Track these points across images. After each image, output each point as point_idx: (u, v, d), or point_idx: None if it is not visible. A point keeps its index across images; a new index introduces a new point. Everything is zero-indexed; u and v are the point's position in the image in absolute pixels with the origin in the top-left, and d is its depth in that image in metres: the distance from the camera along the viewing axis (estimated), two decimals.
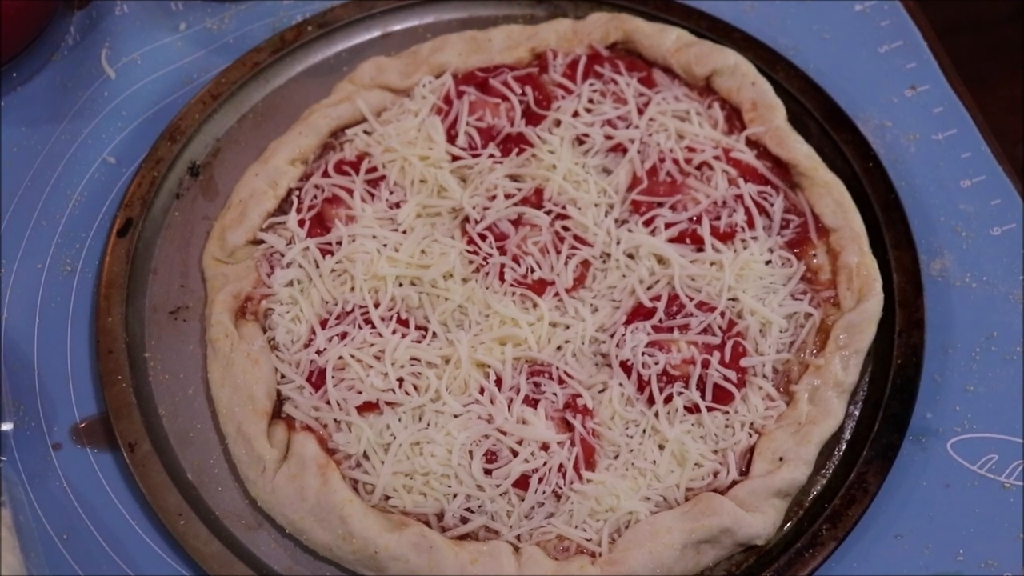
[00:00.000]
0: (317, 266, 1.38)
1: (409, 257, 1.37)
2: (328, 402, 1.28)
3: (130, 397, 1.32)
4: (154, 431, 1.31)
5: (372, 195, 1.44)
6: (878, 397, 1.33)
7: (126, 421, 1.30)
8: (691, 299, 1.35)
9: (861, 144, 1.48)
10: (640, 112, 1.49)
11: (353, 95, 1.51)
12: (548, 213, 1.41)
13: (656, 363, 1.30)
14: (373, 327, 1.33)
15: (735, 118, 1.51)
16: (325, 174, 1.45)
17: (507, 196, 1.42)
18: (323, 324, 1.34)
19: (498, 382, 1.30)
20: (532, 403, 1.29)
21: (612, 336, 1.33)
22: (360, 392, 1.28)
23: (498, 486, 1.24)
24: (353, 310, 1.34)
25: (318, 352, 1.31)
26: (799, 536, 1.25)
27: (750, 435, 1.29)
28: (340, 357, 1.30)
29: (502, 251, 1.39)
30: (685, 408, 1.29)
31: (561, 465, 1.25)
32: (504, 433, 1.26)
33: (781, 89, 1.52)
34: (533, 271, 1.38)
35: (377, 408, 1.29)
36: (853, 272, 1.37)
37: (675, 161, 1.45)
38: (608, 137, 1.47)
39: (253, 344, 1.32)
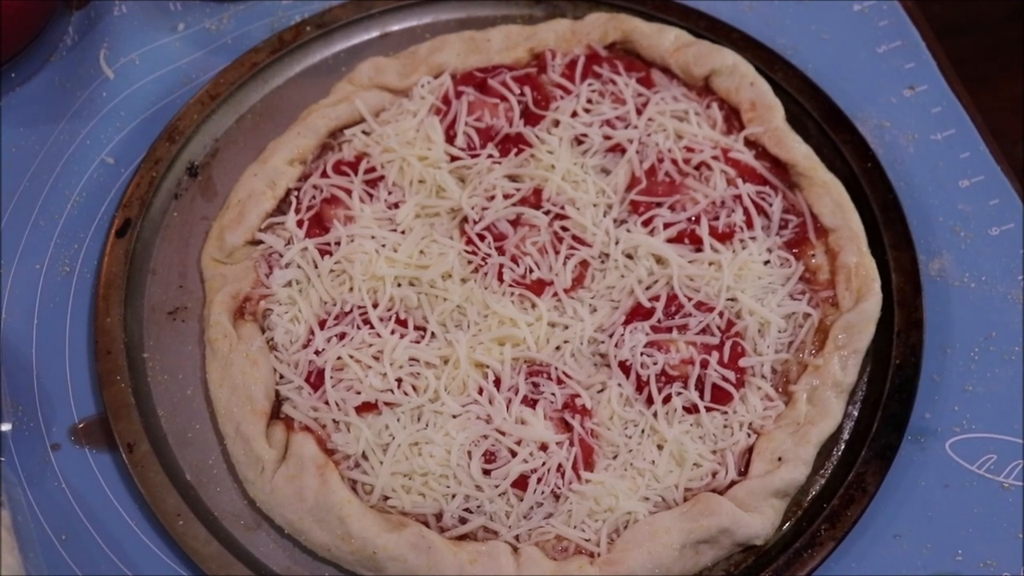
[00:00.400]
0: (316, 266, 1.38)
1: (408, 257, 1.37)
2: (327, 402, 1.28)
3: (128, 397, 1.32)
4: (153, 431, 1.31)
5: (371, 195, 1.44)
6: (877, 397, 1.33)
7: (125, 421, 1.30)
8: (690, 299, 1.35)
9: (860, 144, 1.49)
10: (639, 112, 1.49)
11: (351, 95, 1.51)
12: (547, 213, 1.41)
13: (655, 363, 1.30)
14: (372, 327, 1.33)
15: (734, 118, 1.51)
16: (324, 174, 1.44)
17: (506, 196, 1.42)
18: (322, 324, 1.34)
19: (497, 382, 1.30)
20: (531, 403, 1.29)
21: (611, 336, 1.33)
22: (359, 392, 1.28)
23: (497, 486, 1.24)
24: (352, 310, 1.34)
25: (317, 352, 1.31)
26: (798, 536, 1.25)
27: (749, 435, 1.29)
28: (339, 357, 1.30)
29: (501, 251, 1.39)
30: (684, 408, 1.29)
31: (560, 465, 1.24)
32: (503, 433, 1.26)
33: (780, 89, 1.52)
34: (532, 271, 1.38)
35: (376, 408, 1.29)
36: (852, 272, 1.37)
37: (674, 161, 1.45)
38: (607, 137, 1.47)
39: (252, 344, 1.32)
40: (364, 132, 1.49)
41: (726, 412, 1.29)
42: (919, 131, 1.55)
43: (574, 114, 1.49)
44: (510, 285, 1.37)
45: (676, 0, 1.61)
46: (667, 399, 1.29)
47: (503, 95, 1.50)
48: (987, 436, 1.33)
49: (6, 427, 1.32)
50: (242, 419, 1.27)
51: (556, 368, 1.31)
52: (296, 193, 1.44)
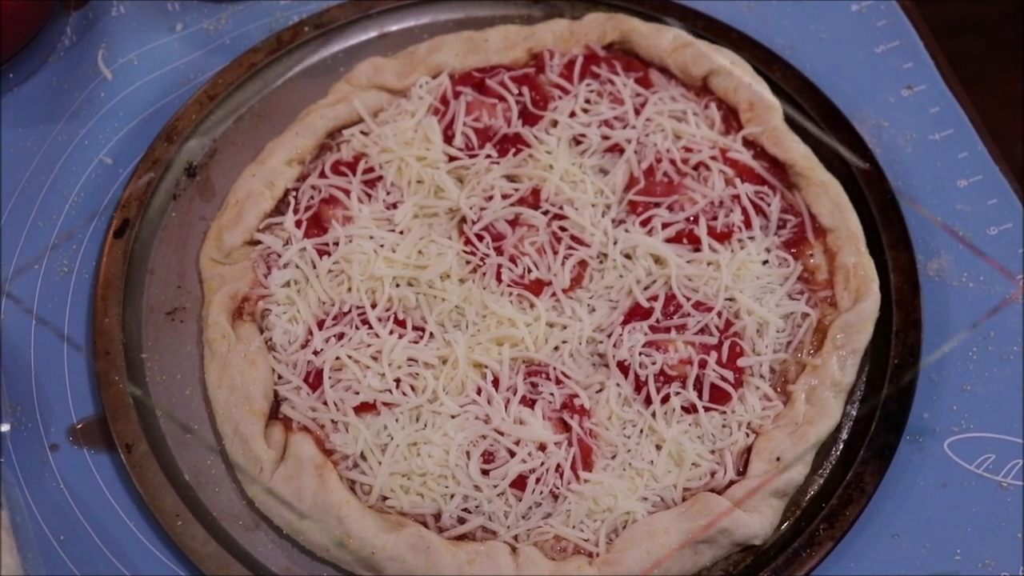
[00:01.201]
0: (314, 267, 1.38)
1: (406, 258, 1.37)
2: (325, 403, 1.28)
3: (127, 398, 1.31)
4: (151, 432, 1.31)
5: (369, 196, 1.44)
6: (875, 397, 1.33)
7: (123, 422, 1.30)
8: (688, 299, 1.35)
9: (858, 144, 1.49)
10: (637, 112, 1.49)
11: (350, 96, 1.50)
12: (545, 213, 1.41)
13: (653, 363, 1.30)
14: (370, 328, 1.33)
15: (732, 118, 1.51)
16: (322, 175, 1.44)
17: (504, 196, 1.42)
18: (320, 325, 1.34)
19: (495, 382, 1.30)
20: (529, 403, 1.29)
21: (609, 336, 1.33)
22: (357, 393, 1.28)
23: (495, 486, 1.24)
24: (350, 311, 1.34)
25: (315, 353, 1.31)
26: (796, 536, 1.25)
27: (747, 435, 1.29)
28: (337, 358, 1.30)
29: (499, 251, 1.39)
30: (682, 408, 1.29)
31: (558, 465, 1.24)
32: (501, 433, 1.26)
33: (778, 89, 1.52)
34: (530, 271, 1.37)
35: (374, 409, 1.29)
36: (850, 272, 1.37)
37: (672, 161, 1.45)
38: (605, 137, 1.47)
39: (250, 345, 1.32)
40: (362, 132, 1.49)
41: (724, 412, 1.29)
42: (917, 131, 1.55)
43: (572, 114, 1.49)
44: (508, 285, 1.37)
45: (674, 0, 1.61)
46: (665, 399, 1.29)
47: (501, 95, 1.50)
48: (985, 436, 1.33)
49: (5, 428, 1.32)
50: (240, 419, 1.27)
51: (554, 368, 1.31)
52: (294, 193, 1.44)
